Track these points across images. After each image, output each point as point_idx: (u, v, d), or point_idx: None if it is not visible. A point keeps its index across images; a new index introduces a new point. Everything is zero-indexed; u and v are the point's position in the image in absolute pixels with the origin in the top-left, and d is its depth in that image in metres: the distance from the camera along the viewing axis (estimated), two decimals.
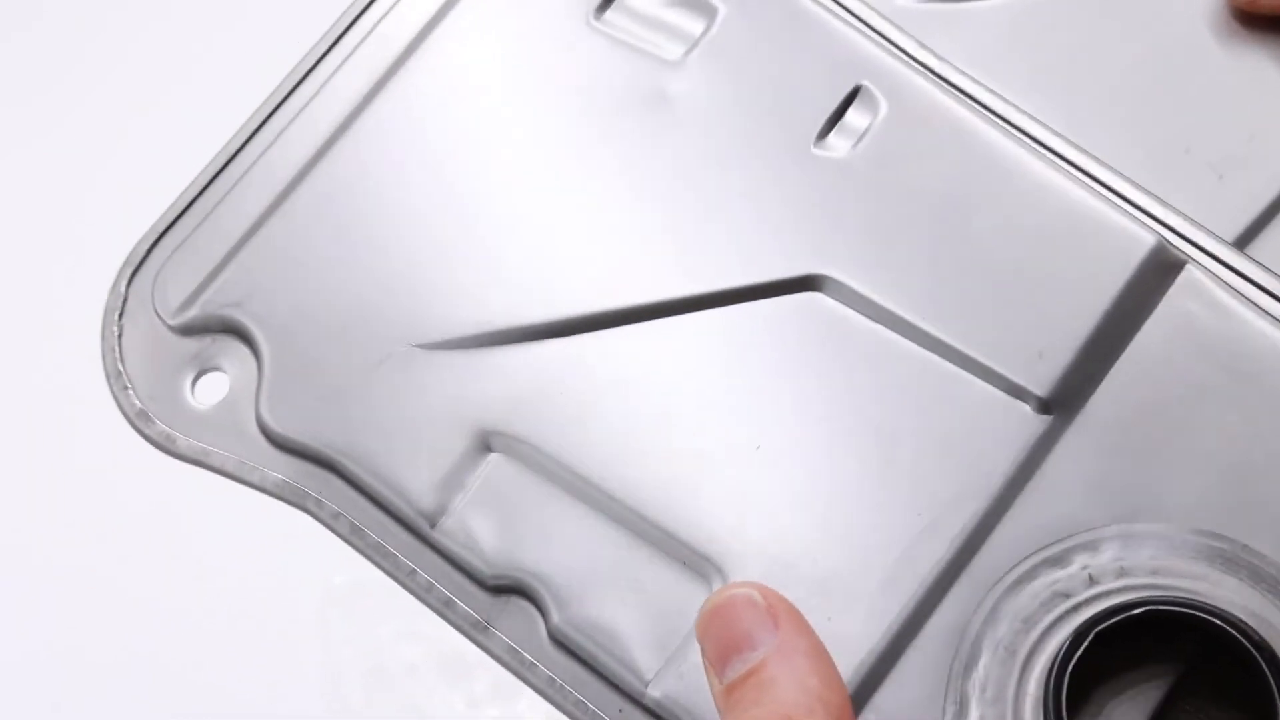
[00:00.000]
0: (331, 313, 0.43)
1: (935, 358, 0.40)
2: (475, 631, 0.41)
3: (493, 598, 0.41)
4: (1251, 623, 0.37)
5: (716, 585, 0.40)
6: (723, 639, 0.37)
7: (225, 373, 0.43)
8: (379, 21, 0.45)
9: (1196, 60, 0.47)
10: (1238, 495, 0.39)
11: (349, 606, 0.74)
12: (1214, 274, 0.41)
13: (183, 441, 0.43)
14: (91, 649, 0.79)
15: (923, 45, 0.43)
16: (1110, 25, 0.47)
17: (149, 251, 0.44)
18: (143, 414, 0.43)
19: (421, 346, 0.42)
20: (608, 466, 0.41)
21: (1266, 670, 0.36)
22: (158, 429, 0.43)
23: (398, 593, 0.43)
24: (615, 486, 0.41)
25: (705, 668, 0.38)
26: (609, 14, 0.44)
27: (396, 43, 0.44)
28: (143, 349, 0.44)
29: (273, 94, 0.45)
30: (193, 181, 0.45)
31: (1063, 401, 0.40)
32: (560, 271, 0.42)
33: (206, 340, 0.43)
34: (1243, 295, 0.40)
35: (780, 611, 0.37)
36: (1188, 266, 0.40)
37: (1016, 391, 0.40)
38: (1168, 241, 0.41)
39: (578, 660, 0.41)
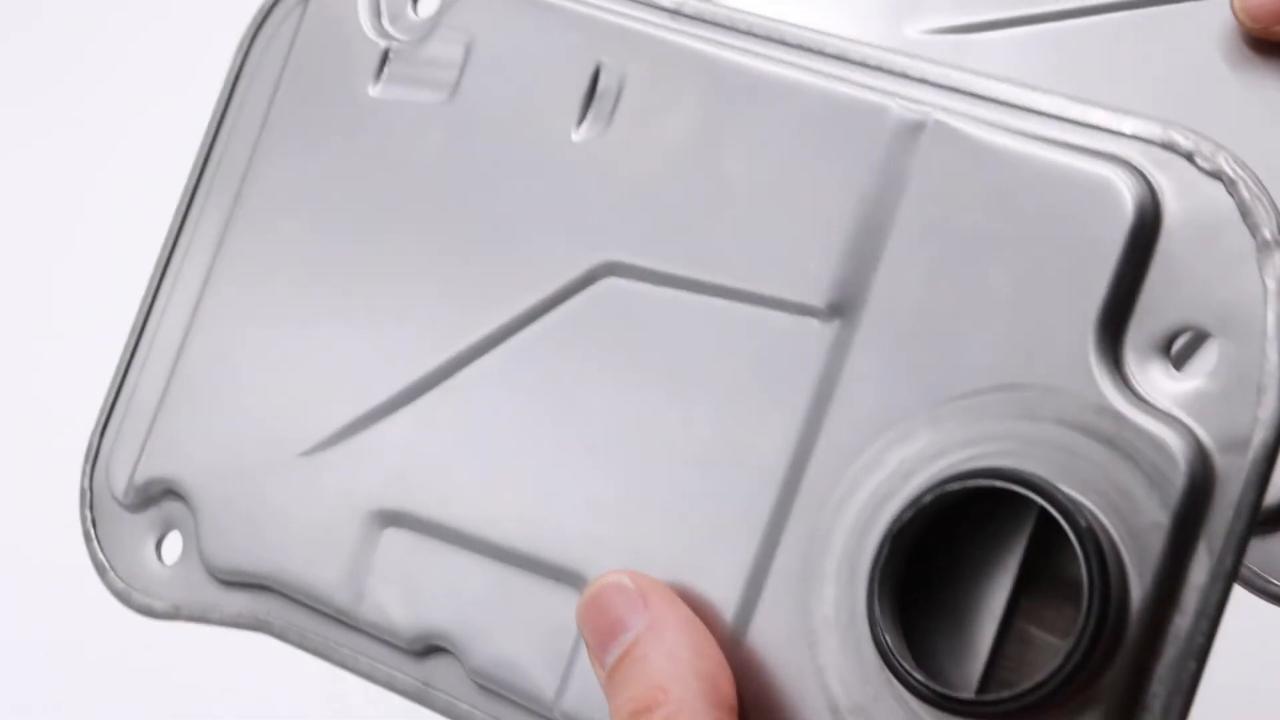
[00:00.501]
0: (234, 446, 0.47)
1: (726, 303, 0.40)
2: (420, 695, 0.45)
3: (421, 661, 0.45)
4: (1062, 466, 0.35)
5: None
6: (599, 627, 0.39)
7: (178, 529, 0.49)
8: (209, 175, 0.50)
9: (1210, 88, 0.46)
10: (1035, 338, 0.36)
11: None
12: (963, 114, 0.38)
13: (159, 604, 0.49)
14: (89, 649, 0.80)
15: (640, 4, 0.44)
16: (1122, 53, 0.47)
17: (99, 441, 0.50)
18: (124, 592, 0.49)
19: (304, 454, 0.46)
20: (472, 510, 0.43)
21: (1064, 523, 0.34)
22: (137, 600, 0.49)
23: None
24: (480, 528, 0.43)
25: (590, 661, 0.39)
26: (382, 81, 0.47)
27: (228, 194, 0.49)
28: (113, 532, 0.49)
29: (150, 277, 0.50)
30: (116, 365, 0.50)
31: (845, 302, 0.39)
32: (381, 347, 0.46)
33: (154, 508, 0.49)
34: (995, 125, 0.38)
35: (649, 591, 0.39)
36: (931, 119, 0.38)
37: (800, 309, 0.39)
38: (904, 99, 0.39)
39: (500, 699, 0.43)
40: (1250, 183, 0.35)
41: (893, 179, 0.38)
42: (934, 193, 0.38)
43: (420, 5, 0.47)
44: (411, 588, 0.44)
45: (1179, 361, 0.36)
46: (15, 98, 0.81)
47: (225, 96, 0.50)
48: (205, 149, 0.50)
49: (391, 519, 0.44)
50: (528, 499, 0.42)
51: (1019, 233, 0.37)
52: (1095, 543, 0.34)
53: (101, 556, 0.49)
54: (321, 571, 0.45)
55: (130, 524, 0.49)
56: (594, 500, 0.41)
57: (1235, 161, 0.35)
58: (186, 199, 0.50)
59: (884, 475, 0.37)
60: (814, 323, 0.39)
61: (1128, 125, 0.36)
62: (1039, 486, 0.34)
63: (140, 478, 0.48)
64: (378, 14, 0.47)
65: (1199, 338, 0.35)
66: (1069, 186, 0.36)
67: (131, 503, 0.49)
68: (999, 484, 0.35)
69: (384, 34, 0.47)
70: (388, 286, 0.45)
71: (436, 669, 0.44)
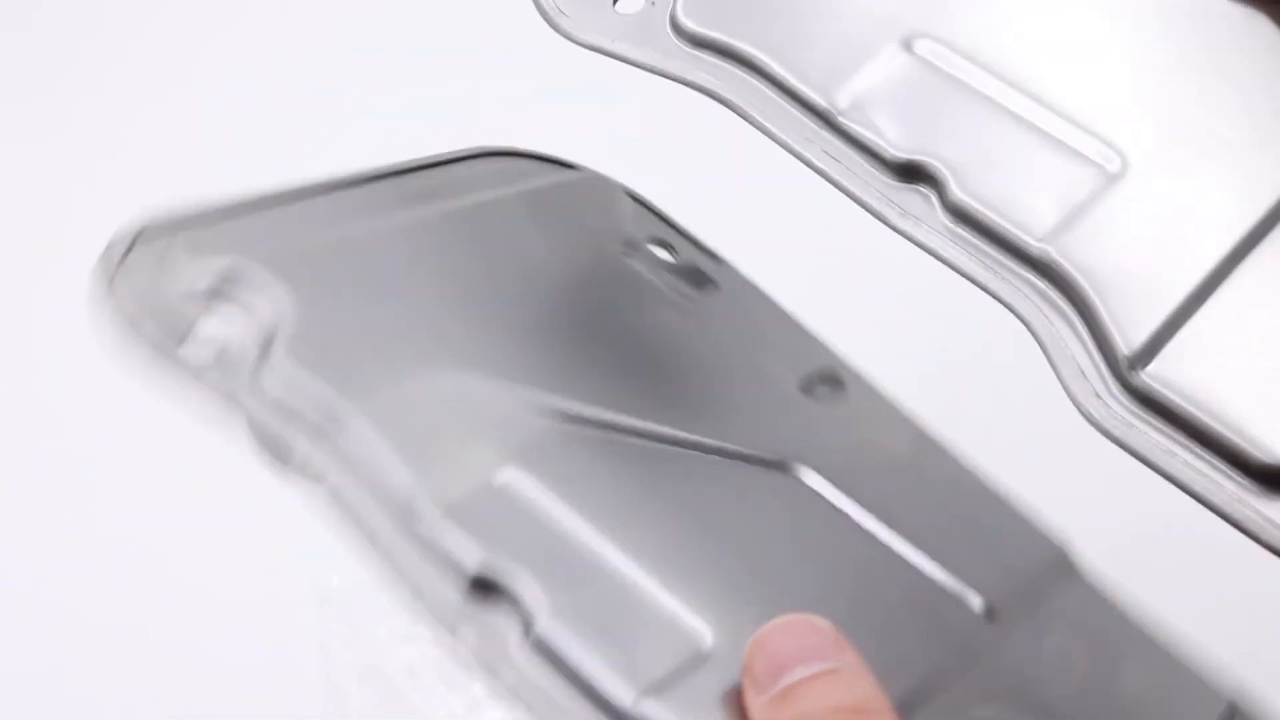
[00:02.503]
0: (367, 329, 0.43)
1: (905, 551, 0.44)
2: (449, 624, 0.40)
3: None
4: None
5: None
6: (786, 651, 0.37)
7: (220, 344, 0.41)
8: None
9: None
10: None
11: (346, 608, 0.71)
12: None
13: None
14: (86, 650, 0.78)
15: None
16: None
17: (190, 219, 0.43)
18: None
19: (453, 375, 0.43)
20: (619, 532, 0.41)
21: None
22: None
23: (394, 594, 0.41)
24: None
25: (745, 688, 0.37)
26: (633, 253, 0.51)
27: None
28: (146, 277, 0.42)
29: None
30: None
31: (1006, 613, 0.43)
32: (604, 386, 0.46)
33: (217, 307, 0.42)
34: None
35: (845, 641, 0.37)
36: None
37: (971, 591, 0.43)
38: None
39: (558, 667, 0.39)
40: None
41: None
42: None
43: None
44: (500, 527, 0.39)
45: None
46: (13, 98, 0.81)
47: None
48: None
49: (510, 478, 0.41)
50: (665, 546, 0.41)
51: (1138, 672, 0.43)
52: None
53: (117, 276, 0.41)
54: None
55: (177, 281, 0.41)
56: (727, 586, 0.41)
57: None
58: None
59: None
60: (972, 611, 0.43)
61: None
62: None
63: (226, 265, 0.42)
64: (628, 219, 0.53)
65: None
66: (1177, 681, 0.43)
67: (192, 272, 0.42)
68: None
69: (633, 232, 0.52)
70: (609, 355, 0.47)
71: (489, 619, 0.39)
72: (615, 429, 0.43)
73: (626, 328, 0.48)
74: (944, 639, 0.42)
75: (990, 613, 0.43)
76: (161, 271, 0.42)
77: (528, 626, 0.38)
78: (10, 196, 0.80)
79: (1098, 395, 0.43)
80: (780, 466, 0.45)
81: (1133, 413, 0.43)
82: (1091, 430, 0.43)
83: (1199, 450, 0.42)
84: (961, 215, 0.47)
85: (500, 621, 0.38)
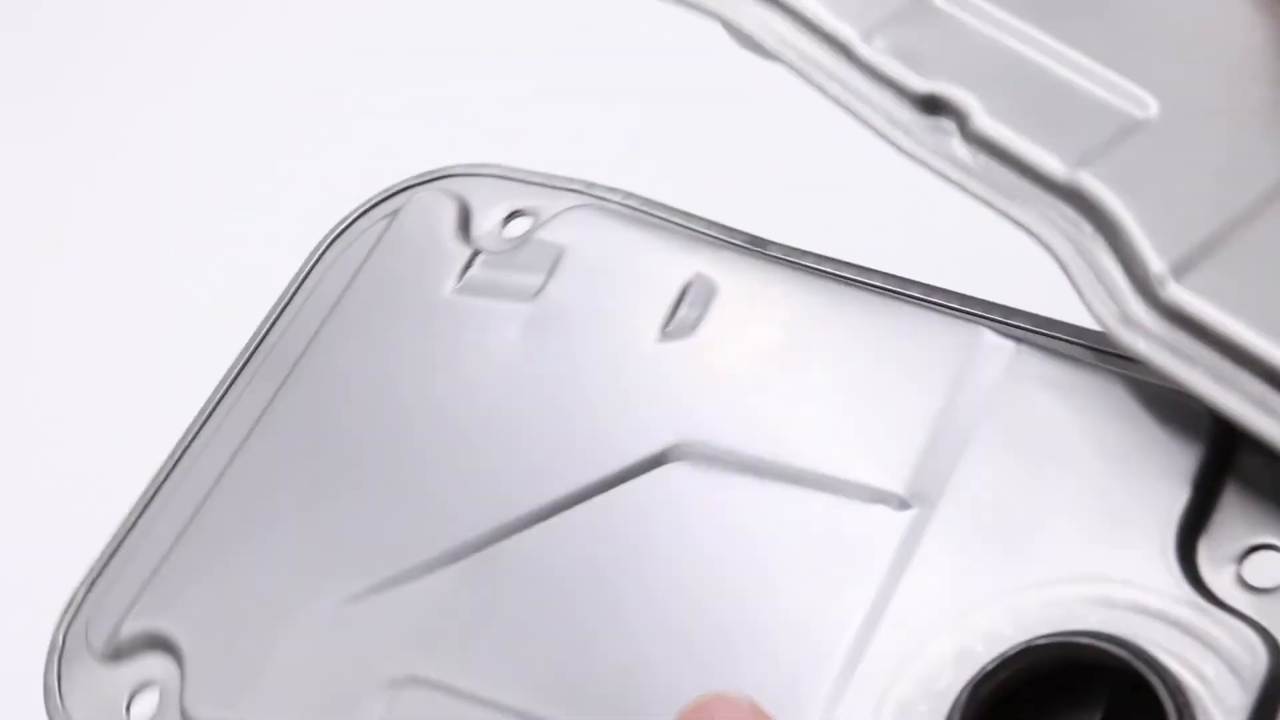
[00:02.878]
0: (243, 601, 0.45)
1: (798, 490, 0.42)
2: None
3: None
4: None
5: None
6: None
7: (157, 686, 0.46)
8: (267, 345, 0.51)
9: None
10: (1114, 538, 0.38)
11: None
12: (1048, 349, 0.43)
13: None
14: None
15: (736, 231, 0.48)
16: None
17: (87, 593, 0.48)
18: None
19: (321, 610, 0.44)
20: (502, 676, 0.41)
21: (1162, 691, 0.35)
22: None
23: None
24: (510, 694, 0.41)
25: None
26: (464, 283, 0.49)
27: (281, 367, 0.50)
28: (81, 686, 0.46)
29: (183, 435, 0.50)
30: (119, 524, 0.49)
31: (922, 493, 0.41)
32: (426, 513, 0.45)
33: (133, 661, 0.46)
34: (1078, 360, 0.42)
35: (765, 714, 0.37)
36: (1019, 345, 0.42)
37: (876, 496, 0.41)
38: (992, 325, 0.43)
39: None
40: None
41: (976, 391, 0.42)
42: (1018, 406, 0.41)
43: (510, 226, 0.50)
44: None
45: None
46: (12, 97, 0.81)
47: (295, 285, 0.51)
48: (264, 329, 0.51)
49: (413, 680, 0.42)
50: (569, 669, 0.41)
51: (1101, 449, 0.40)
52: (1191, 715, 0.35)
53: (63, 711, 0.46)
54: None
55: (103, 678, 0.46)
56: (640, 669, 0.41)
57: None
58: (235, 371, 0.50)
59: (959, 648, 0.38)
60: (888, 510, 0.40)
61: None
62: (1141, 651, 0.35)
63: (128, 629, 0.46)
64: (466, 226, 0.50)
65: (1266, 557, 0.38)
66: (1149, 418, 0.40)
67: (109, 654, 0.46)
68: (1099, 644, 0.36)
69: (471, 245, 0.50)
70: (438, 461, 0.46)
71: None
72: (482, 548, 0.44)
73: (473, 405, 0.47)
74: (867, 566, 0.40)
75: (903, 502, 0.41)
76: (90, 673, 0.46)
77: None
78: None
79: (1125, 314, 0.42)
80: (657, 463, 0.44)
81: (1165, 331, 0.42)
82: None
83: (1237, 368, 0.41)
84: (985, 145, 0.45)
85: None
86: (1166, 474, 0.39)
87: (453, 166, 0.52)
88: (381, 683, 0.42)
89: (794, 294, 0.45)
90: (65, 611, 0.48)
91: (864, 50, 0.47)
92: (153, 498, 0.49)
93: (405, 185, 0.52)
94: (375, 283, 0.50)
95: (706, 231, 0.48)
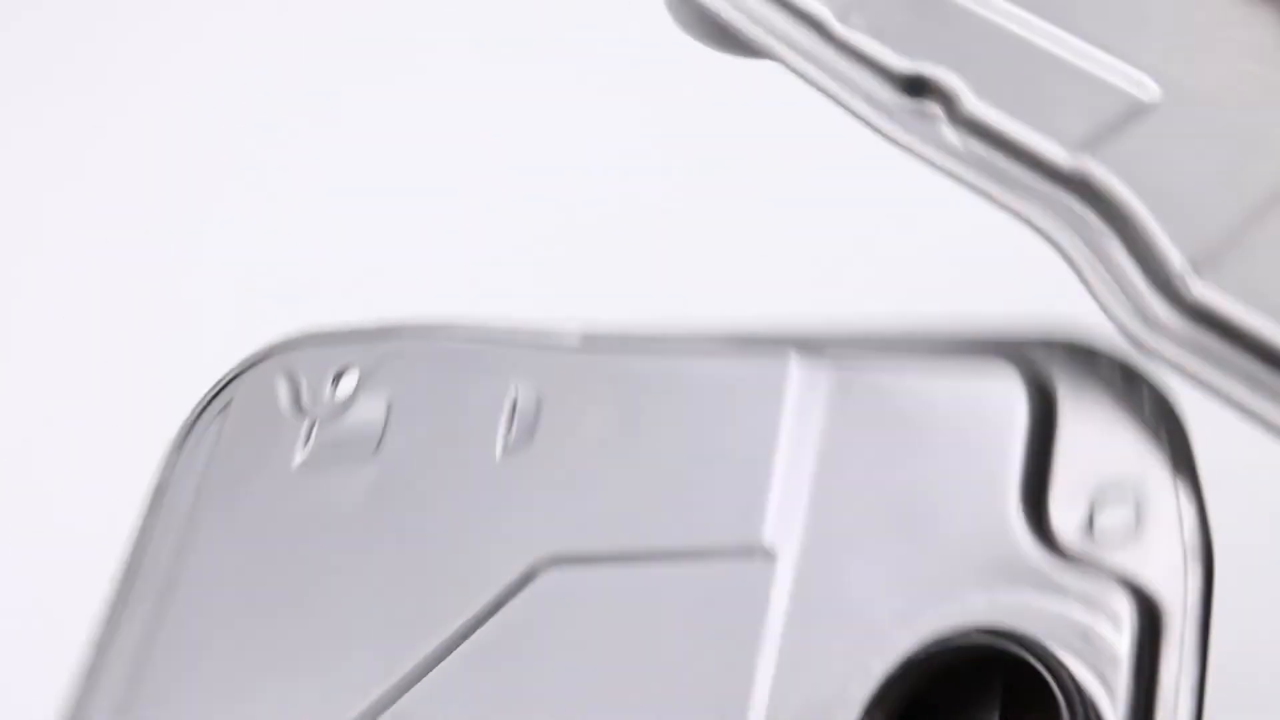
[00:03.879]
0: None
1: (668, 567, 0.42)
2: None
3: None
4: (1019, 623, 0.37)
5: None
6: None
7: None
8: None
9: None
10: (966, 529, 0.39)
11: None
12: (861, 362, 0.43)
13: None
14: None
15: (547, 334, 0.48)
16: None
17: None
18: None
19: None
20: None
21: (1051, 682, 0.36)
22: None
23: None
24: None
25: None
26: (305, 459, 0.49)
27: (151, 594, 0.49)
28: None
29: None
30: None
31: (781, 538, 0.41)
32: (324, 692, 0.45)
33: None
34: (892, 364, 0.42)
35: None
36: (832, 369, 0.43)
37: (743, 552, 0.41)
38: (805, 358, 0.43)
39: None
40: (1135, 364, 0.39)
41: (805, 423, 0.42)
42: (845, 429, 0.41)
43: (341, 384, 0.50)
44: None
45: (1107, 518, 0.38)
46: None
47: (147, 509, 0.51)
48: (129, 561, 0.50)
49: None
50: None
51: (931, 448, 0.40)
52: (1080, 696, 0.35)
53: None
54: None
55: None
56: None
57: (1110, 362, 0.40)
58: (109, 613, 0.49)
59: (849, 679, 0.38)
60: (756, 563, 0.41)
61: (1018, 330, 0.41)
62: (1011, 634, 0.36)
63: None
64: (298, 399, 0.50)
65: (1115, 497, 0.38)
66: (970, 397, 0.40)
67: None
68: (972, 639, 0.36)
69: (306, 412, 0.50)
70: (325, 637, 0.46)
71: None
72: (386, 703, 0.44)
73: (339, 571, 0.47)
74: (751, 603, 0.40)
75: (768, 552, 0.41)
76: None
77: None
78: None
79: (1145, 316, 0.39)
80: (528, 579, 0.44)
81: (1189, 332, 0.38)
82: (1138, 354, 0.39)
83: (1265, 368, 0.37)
84: (976, 129, 0.42)
85: None
86: (996, 454, 0.39)
87: (271, 346, 0.52)
88: None
89: (613, 380, 0.46)
90: None
91: (840, 28, 0.43)
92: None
93: (230, 377, 0.52)
94: (223, 477, 0.50)
95: (520, 341, 0.48)
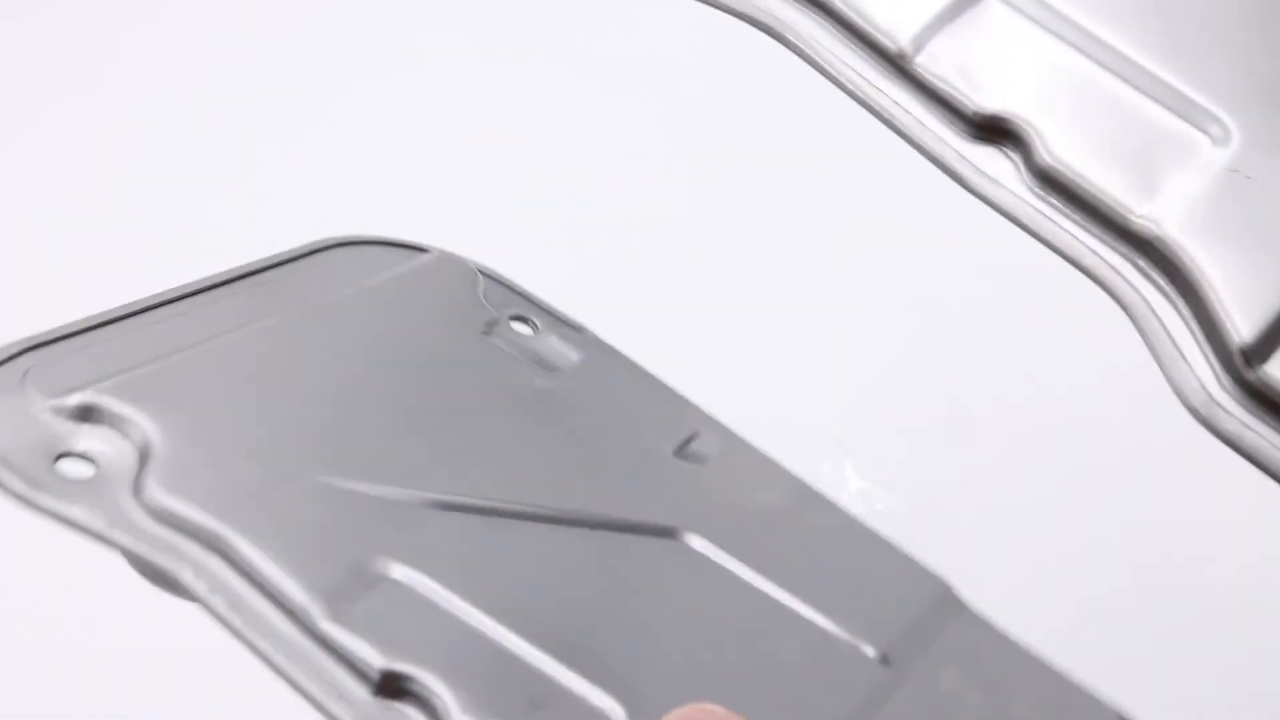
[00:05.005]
0: (242, 440, 0.43)
1: (797, 601, 0.44)
2: None
3: (384, 701, 0.39)
4: None
5: None
6: None
7: (94, 462, 0.41)
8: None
9: None
10: None
11: None
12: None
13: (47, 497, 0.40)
14: (79, 649, 0.77)
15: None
16: None
17: (51, 342, 0.44)
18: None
19: (326, 476, 0.42)
20: (496, 603, 0.40)
21: None
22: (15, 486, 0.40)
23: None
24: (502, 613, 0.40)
25: None
26: (494, 333, 0.50)
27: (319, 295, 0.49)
28: (3, 416, 0.42)
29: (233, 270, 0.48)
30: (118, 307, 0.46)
31: (894, 659, 0.43)
32: (461, 458, 0.45)
33: (74, 425, 0.42)
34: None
35: None
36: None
37: (861, 639, 0.43)
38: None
39: None
40: None
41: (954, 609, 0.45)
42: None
43: (515, 325, 0.51)
44: (400, 624, 0.39)
45: None
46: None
47: (307, 252, 0.51)
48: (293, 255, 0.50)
49: (403, 575, 0.40)
50: (564, 627, 0.41)
51: (1030, 705, 0.43)
52: None
53: None
54: (301, 565, 0.39)
55: (32, 418, 0.42)
56: (619, 673, 0.40)
57: None
58: (262, 266, 0.49)
59: None
60: (867, 658, 0.43)
61: None
62: None
63: (87, 398, 0.42)
64: (488, 297, 0.51)
65: None
66: (1068, 712, 0.43)
67: (50, 406, 0.42)
68: None
69: (493, 311, 0.51)
70: (457, 428, 0.46)
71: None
72: (497, 513, 0.44)
73: (495, 411, 0.48)
74: (841, 690, 0.42)
75: (884, 659, 0.43)
76: (24, 408, 0.42)
77: None
78: None
79: (1207, 392, 0.38)
80: (667, 533, 0.45)
81: (1250, 412, 0.38)
82: (1201, 431, 0.38)
83: None
84: (1049, 181, 0.41)
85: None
86: None
87: (470, 259, 0.53)
88: (349, 563, 0.40)
89: (783, 482, 0.48)
90: (15, 346, 0.43)
91: (916, 63, 0.42)
92: (167, 302, 0.47)
93: (415, 244, 0.53)
94: (406, 290, 0.51)
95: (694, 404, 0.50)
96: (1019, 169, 0.42)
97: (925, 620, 0.45)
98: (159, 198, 0.65)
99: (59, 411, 0.42)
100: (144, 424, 0.42)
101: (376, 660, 0.38)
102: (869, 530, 0.48)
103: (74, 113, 0.72)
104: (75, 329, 0.45)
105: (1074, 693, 0.44)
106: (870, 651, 0.43)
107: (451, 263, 0.53)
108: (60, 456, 0.40)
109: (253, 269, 0.50)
